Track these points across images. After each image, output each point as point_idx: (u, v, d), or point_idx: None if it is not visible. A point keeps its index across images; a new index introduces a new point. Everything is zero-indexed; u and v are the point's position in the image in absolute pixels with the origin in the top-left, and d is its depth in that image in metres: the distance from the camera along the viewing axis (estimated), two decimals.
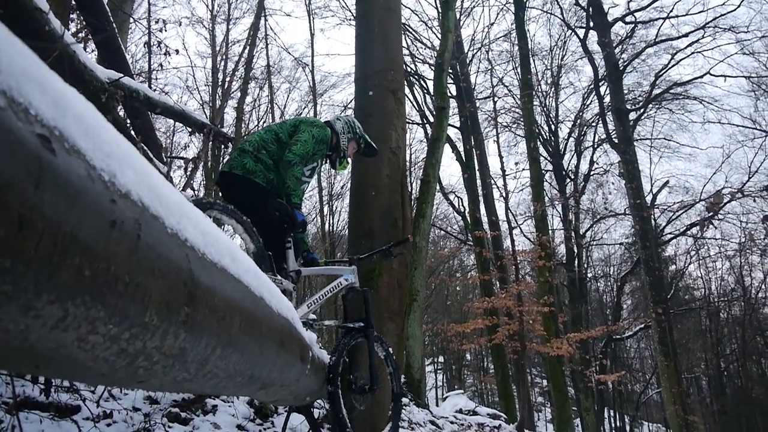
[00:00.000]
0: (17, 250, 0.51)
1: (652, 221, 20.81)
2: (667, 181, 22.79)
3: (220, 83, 19.48)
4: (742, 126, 20.82)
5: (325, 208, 21.58)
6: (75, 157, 0.61)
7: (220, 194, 3.93)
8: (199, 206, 3.10)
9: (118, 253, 0.68)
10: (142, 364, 0.84)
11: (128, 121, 5.97)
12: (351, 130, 4.14)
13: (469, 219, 19.54)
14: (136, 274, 0.71)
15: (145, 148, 5.42)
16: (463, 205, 21.06)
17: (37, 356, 0.65)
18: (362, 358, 3.79)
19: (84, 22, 5.98)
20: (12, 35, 0.56)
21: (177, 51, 8.57)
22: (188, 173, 7.03)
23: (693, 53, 20.84)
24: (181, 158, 10.22)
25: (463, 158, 19.79)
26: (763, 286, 25.31)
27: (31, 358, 0.66)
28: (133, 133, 5.65)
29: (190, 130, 6.65)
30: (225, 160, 3.72)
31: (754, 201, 19.93)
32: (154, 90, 7.43)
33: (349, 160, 4.32)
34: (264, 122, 21.72)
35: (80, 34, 6.14)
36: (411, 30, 20.32)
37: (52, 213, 0.54)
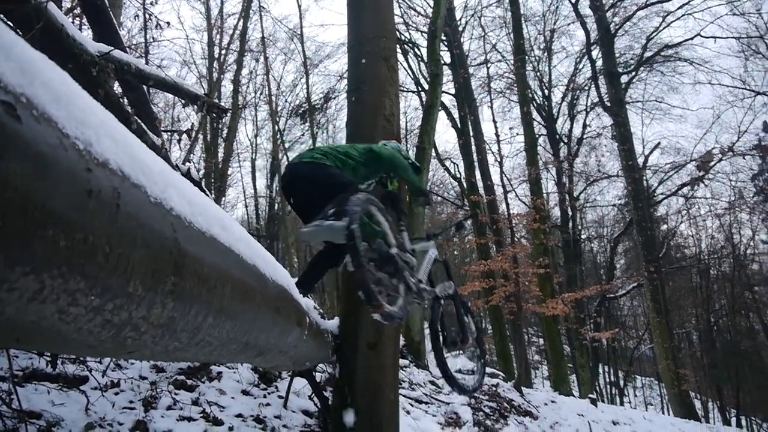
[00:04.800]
0: None
1: (644, 182, 20.85)
2: (659, 143, 22.76)
3: (216, 56, 19.25)
4: (732, 86, 20.74)
5: None
6: (45, 125, 0.59)
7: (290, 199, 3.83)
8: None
9: (97, 223, 0.66)
10: (130, 334, 0.83)
11: (123, 95, 5.89)
12: (392, 151, 4.28)
13: (465, 184, 19.54)
14: (117, 244, 0.70)
15: (139, 121, 5.35)
16: (459, 171, 21.04)
17: (16, 329, 0.63)
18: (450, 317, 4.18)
19: None
20: None
21: (168, 23, 8.37)
22: (186, 146, 6.96)
23: (684, 15, 20.53)
24: (174, 131, 10.10)
25: (458, 125, 19.69)
26: (751, 243, 25.68)
27: (9, 332, 0.64)
28: (127, 106, 5.57)
29: (183, 102, 6.55)
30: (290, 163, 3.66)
31: (744, 158, 20.03)
32: (149, 64, 7.30)
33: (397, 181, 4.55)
34: (260, 94, 21.50)
35: (75, 11, 5.99)
36: None
37: (20, 183, 0.52)
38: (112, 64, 4.61)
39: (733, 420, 24.02)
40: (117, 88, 5.95)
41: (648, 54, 21.65)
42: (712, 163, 19.27)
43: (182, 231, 0.97)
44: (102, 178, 0.68)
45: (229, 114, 16.39)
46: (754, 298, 25.10)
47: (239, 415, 4.94)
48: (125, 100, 5.87)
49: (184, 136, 6.81)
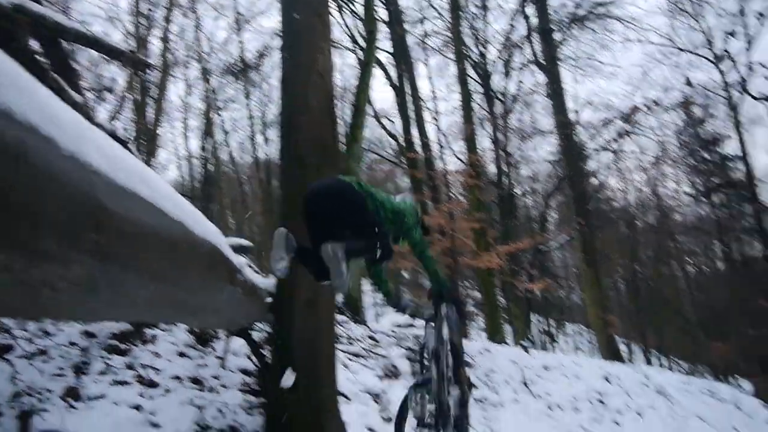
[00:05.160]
0: None
1: (576, 138, 21.53)
2: (590, 101, 23.47)
3: (143, 12, 18.21)
4: (660, 45, 21.59)
5: (259, 137, 21.18)
6: None
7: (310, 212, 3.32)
8: None
9: (1, 177, 0.62)
10: (46, 293, 0.80)
11: (42, 51, 5.54)
12: (415, 215, 4.08)
13: (402, 142, 19.60)
14: (25, 199, 0.66)
15: (58, 77, 5.06)
16: (396, 129, 21.07)
17: None
18: None
19: None
20: None
21: None
22: (113, 105, 6.65)
23: None
24: (97, 89, 9.63)
25: (396, 83, 19.60)
26: (675, 196, 27.17)
27: None
28: (46, 63, 5.25)
29: (106, 58, 6.23)
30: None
31: (667, 113, 20.98)
32: (71, 20, 6.84)
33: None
34: (192, 51, 20.62)
35: None
36: None
37: None
38: (26, 16, 4.32)
39: (655, 360, 25.78)
40: (35, 45, 5.59)
41: (581, 12, 22.08)
42: (636, 115, 20.10)
43: (102, 187, 0.93)
44: (4, 129, 0.64)
45: (157, 71, 15.68)
46: (677, 248, 26.72)
47: (176, 377, 4.91)
48: (45, 58, 5.53)
49: (110, 95, 6.51)
